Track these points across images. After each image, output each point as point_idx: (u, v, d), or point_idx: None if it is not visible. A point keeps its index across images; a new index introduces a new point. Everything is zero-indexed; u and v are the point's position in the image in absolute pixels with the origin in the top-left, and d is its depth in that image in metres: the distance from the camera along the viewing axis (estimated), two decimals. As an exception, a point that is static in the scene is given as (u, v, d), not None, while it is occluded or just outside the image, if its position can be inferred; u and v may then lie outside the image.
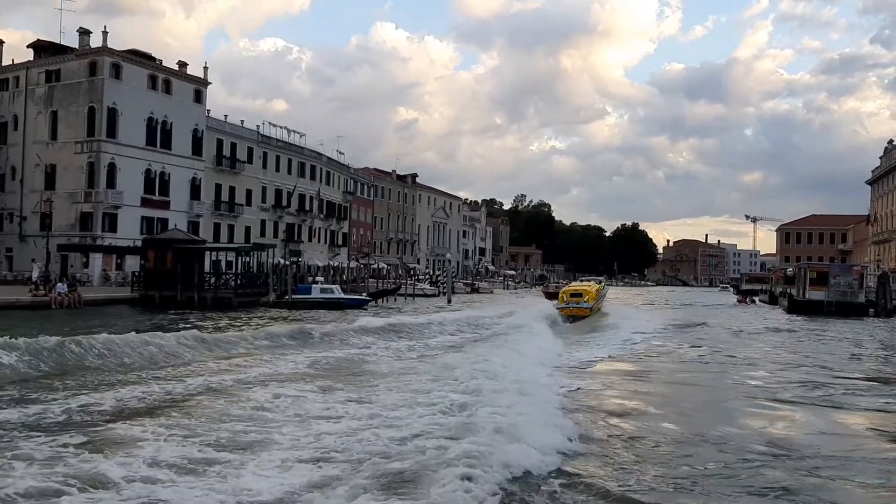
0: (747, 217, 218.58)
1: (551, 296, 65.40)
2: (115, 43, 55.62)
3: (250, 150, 69.67)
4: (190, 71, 62.80)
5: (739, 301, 75.64)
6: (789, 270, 65.85)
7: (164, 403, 11.68)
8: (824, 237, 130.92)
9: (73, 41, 57.71)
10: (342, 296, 45.34)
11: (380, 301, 50.95)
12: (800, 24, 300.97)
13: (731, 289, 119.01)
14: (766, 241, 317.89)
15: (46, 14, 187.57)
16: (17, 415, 10.41)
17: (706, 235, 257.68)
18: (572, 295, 40.15)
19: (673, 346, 24.45)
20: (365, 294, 49.97)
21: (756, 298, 76.99)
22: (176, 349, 17.33)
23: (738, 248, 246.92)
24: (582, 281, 55.72)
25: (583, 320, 35.81)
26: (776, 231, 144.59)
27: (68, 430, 9.63)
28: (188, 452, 8.50)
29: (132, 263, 50.26)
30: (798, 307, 51.51)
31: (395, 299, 55.53)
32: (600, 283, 50.67)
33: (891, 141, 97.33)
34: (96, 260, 53.05)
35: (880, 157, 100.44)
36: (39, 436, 9.30)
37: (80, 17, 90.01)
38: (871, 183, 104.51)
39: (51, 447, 8.68)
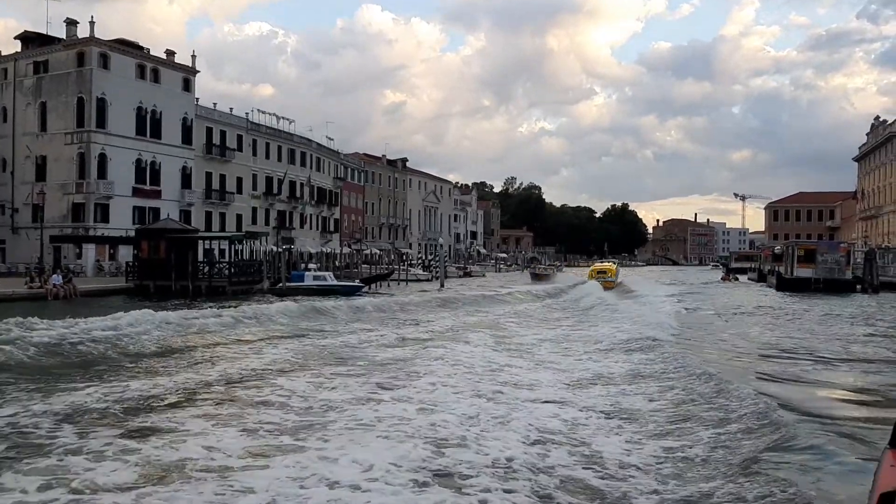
0: (736, 195, 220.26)
1: (539, 277, 69.84)
2: (99, 30, 55.42)
3: (240, 138, 69.71)
4: (178, 59, 62.72)
5: (723, 279, 78.72)
6: (777, 248, 66.71)
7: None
8: (812, 214, 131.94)
9: (58, 30, 57.70)
10: (335, 282, 45.68)
11: (373, 286, 51.32)
12: None
13: (722, 267, 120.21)
14: (754, 219, 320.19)
15: (28, 2, 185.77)
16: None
17: (695, 214, 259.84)
18: (599, 272, 56.41)
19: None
20: (357, 280, 50.31)
21: (738, 276, 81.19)
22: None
23: (727, 226, 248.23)
24: (603, 261, 79.18)
25: (612, 290, 46.51)
26: (764, 209, 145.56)
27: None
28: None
29: (125, 253, 50.41)
30: (786, 285, 52.29)
31: (388, 284, 55.91)
32: (615, 263, 71.64)
33: (877, 117, 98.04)
34: (89, 251, 53.20)
35: (867, 134, 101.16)
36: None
37: (64, 5, 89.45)
38: (858, 160, 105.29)
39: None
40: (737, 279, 78.34)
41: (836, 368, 16.04)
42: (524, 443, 9.00)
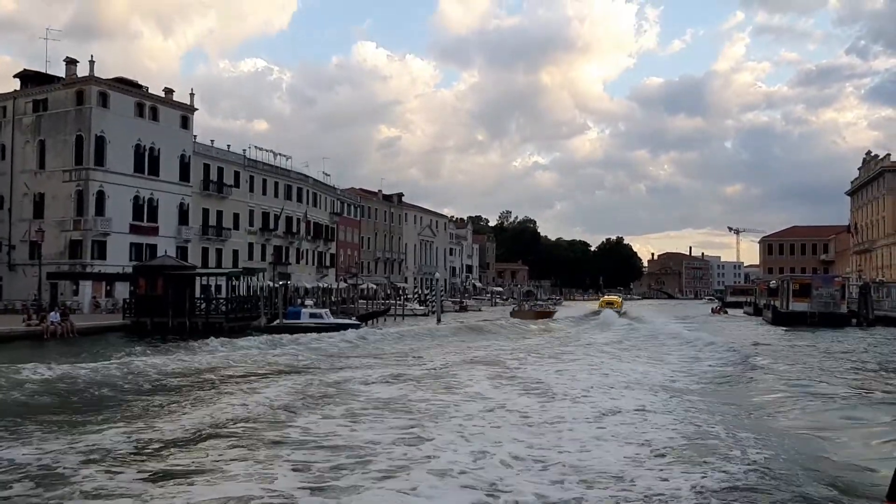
0: (730, 229, 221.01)
1: (539, 315, 63.84)
2: (96, 68, 55.95)
3: (237, 174, 70.09)
4: (176, 97, 63.28)
5: (714, 311, 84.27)
6: (773, 282, 66.96)
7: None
8: (806, 248, 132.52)
9: (56, 69, 58.29)
10: (332, 320, 45.72)
11: (369, 323, 51.32)
12: (776, 36, 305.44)
13: (717, 301, 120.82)
14: (749, 253, 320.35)
15: (24, 40, 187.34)
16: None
17: (690, 248, 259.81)
18: (608, 303, 77.36)
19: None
20: (354, 318, 50.31)
21: (728, 310, 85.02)
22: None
23: (721, 259, 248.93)
24: (610, 295, 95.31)
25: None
26: (759, 243, 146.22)
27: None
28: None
29: (122, 290, 50.43)
30: (782, 318, 52.45)
31: (385, 320, 55.92)
32: (620, 296, 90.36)
33: (868, 152, 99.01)
34: (86, 287, 53.16)
35: (859, 168, 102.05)
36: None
37: (60, 43, 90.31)
38: (850, 194, 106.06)
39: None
40: (726, 312, 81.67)
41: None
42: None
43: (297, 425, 12.95)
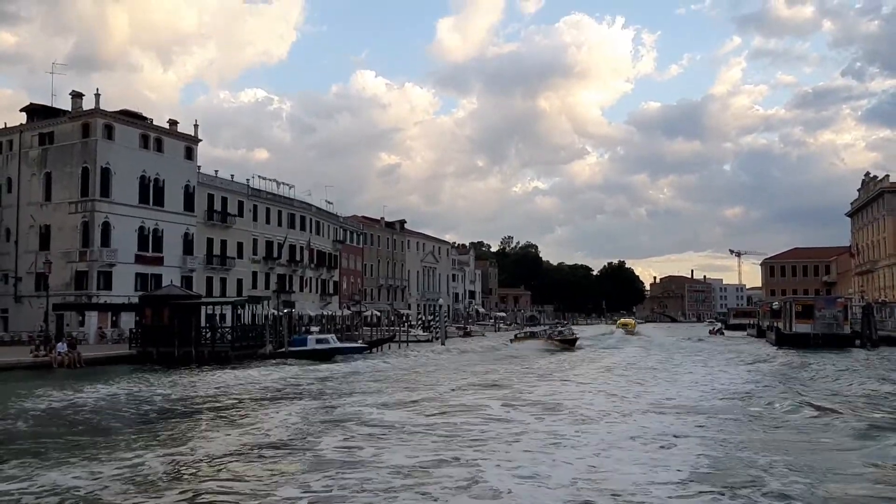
0: (731, 251, 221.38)
1: (565, 344, 55.84)
2: (96, 99, 56.71)
3: (241, 204, 70.59)
4: (180, 128, 63.98)
5: (711, 332, 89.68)
6: (775, 304, 67.11)
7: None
8: (808, 270, 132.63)
9: (62, 102, 59.07)
10: (339, 344, 45.91)
11: (375, 350, 51.61)
12: (773, 59, 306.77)
13: (720, 323, 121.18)
14: (751, 275, 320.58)
15: (24, 71, 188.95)
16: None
17: (692, 271, 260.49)
18: (623, 324, 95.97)
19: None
20: (361, 342, 50.56)
21: (725, 331, 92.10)
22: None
23: (723, 282, 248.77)
24: (625, 318, 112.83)
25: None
26: (761, 265, 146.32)
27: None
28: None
29: (127, 320, 50.64)
30: (786, 340, 52.56)
31: (390, 346, 56.17)
32: (634, 319, 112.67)
33: (867, 173, 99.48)
34: (92, 318, 53.37)
35: (858, 190, 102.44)
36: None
37: (61, 76, 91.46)
38: (850, 215, 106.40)
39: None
40: (723, 333, 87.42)
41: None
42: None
43: (318, 449, 13.19)
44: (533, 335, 64.98)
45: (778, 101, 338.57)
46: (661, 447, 13.82)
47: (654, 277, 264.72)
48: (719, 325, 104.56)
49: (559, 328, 67.37)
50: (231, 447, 13.26)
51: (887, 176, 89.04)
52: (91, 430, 15.74)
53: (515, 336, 68.19)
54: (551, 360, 43.29)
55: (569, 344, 55.31)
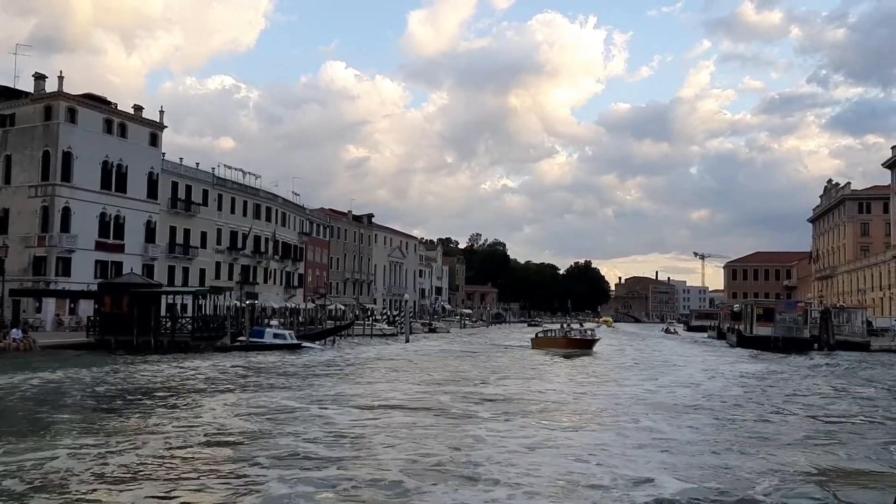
0: (696, 254, 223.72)
1: (577, 345, 48.81)
2: (59, 81, 55.55)
3: (205, 193, 69.67)
4: (145, 114, 62.93)
5: (665, 331, 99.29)
6: (736, 307, 67.99)
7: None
8: (769, 274, 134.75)
9: (20, 81, 57.85)
10: (294, 341, 46.18)
11: (330, 340, 51.75)
12: (741, 63, 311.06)
13: (681, 325, 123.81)
14: (714, 278, 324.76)
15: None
16: None
17: (656, 272, 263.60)
18: (604, 321, 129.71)
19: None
20: (318, 342, 50.55)
21: (677, 329, 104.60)
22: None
23: (687, 284, 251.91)
24: (606, 317, 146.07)
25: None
26: (724, 268, 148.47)
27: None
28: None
29: (86, 308, 49.74)
30: (746, 342, 53.35)
31: (349, 336, 56.00)
32: (612, 318, 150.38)
33: (830, 180, 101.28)
34: (49, 305, 52.36)
35: (820, 196, 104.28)
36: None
37: (20, 56, 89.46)
38: (812, 220, 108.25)
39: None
40: (676, 332, 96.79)
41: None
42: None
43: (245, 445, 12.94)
44: (552, 333, 53.93)
45: (745, 105, 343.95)
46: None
47: (620, 278, 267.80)
48: (674, 326, 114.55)
49: (574, 327, 58.18)
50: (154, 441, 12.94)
51: (849, 183, 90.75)
52: (23, 418, 15.29)
53: (536, 336, 55.13)
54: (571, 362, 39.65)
55: (588, 346, 48.43)
